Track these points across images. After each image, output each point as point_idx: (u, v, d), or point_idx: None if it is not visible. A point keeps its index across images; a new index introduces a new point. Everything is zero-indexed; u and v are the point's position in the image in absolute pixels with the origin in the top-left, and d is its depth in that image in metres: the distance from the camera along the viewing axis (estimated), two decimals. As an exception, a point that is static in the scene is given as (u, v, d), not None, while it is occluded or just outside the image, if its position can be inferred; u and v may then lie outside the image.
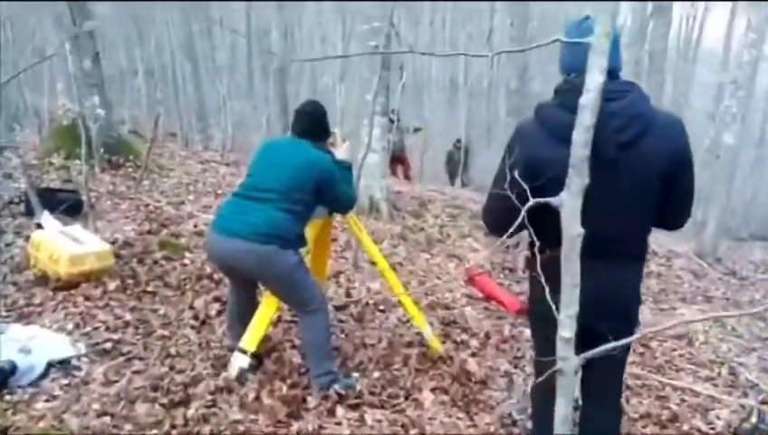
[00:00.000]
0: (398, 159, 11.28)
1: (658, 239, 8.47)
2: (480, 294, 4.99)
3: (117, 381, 2.95)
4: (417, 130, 11.77)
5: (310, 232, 3.29)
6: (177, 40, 16.58)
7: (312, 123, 3.14)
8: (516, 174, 1.92)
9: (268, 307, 3.17)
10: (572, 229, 1.36)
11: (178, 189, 6.86)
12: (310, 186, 2.96)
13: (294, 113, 3.19)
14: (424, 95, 19.59)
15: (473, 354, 3.74)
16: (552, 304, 1.52)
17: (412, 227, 6.32)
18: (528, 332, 4.24)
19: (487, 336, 4.09)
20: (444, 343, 3.88)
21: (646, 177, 1.94)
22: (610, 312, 2.02)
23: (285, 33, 16.50)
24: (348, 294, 4.50)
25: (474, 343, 3.96)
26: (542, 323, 2.18)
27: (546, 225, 1.70)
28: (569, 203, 1.35)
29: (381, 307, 4.36)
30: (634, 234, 2.05)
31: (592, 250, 1.54)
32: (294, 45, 19.24)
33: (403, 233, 6.06)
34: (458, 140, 12.97)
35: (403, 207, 7.02)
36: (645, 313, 5.40)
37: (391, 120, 10.93)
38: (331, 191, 3.06)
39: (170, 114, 17.91)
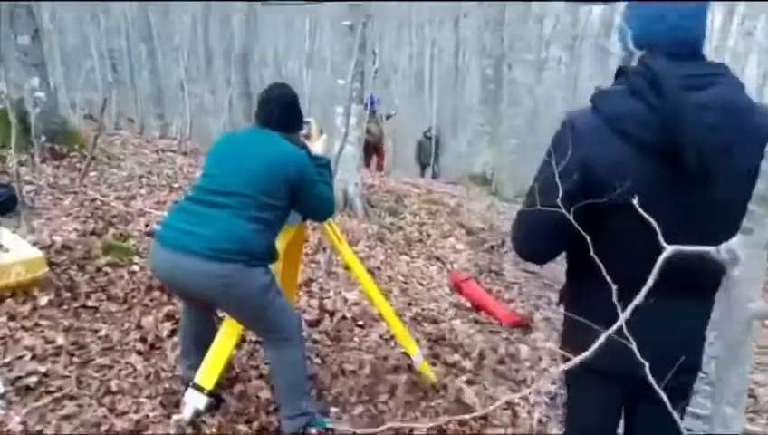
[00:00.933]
0: (374, 149, 10.76)
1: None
2: (468, 303, 4.52)
3: (40, 433, 2.36)
4: (389, 116, 11.24)
5: (279, 242, 2.75)
6: (132, 19, 15.67)
7: (282, 111, 2.58)
8: (564, 184, 1.43)
9: (229, 335, 2.62)
10: (749, 303, 0.83)
11: (130, 182, 6.18)
12: (282, 188, 2.41)
13: (259, 100, 2.62)
14: (392, 83, 19.04)
15: (468, 382, 3.24)
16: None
17: (389, 226, 5.81)
18: (525, 350, 3.78)
19: (482, 356, 3.60)
20: (434, 365, 3.39)
21: (741, 192, 1.46)
22: (684, 364, 1.54)
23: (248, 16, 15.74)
24: (321, 307, 3.97)
25: (467, 364, 3.47)
26: (587, 393, 1.70)
27: (607, 251, 1.22)
28: (747, 259, 0.83)
29: (360, 322, 3.84)
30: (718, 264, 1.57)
31: (664, 286, 1.03)
32: (257, 29, 18.41)
33: (380, 233, 5.53)
34: (429, 130, 12.51)
35: (378, 203, 6.50)
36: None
37: (366, 107, 10.42)
38: (307, 194, 2.51)
39: (127, 99, 17.01)
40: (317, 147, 2.76)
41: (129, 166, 6.82)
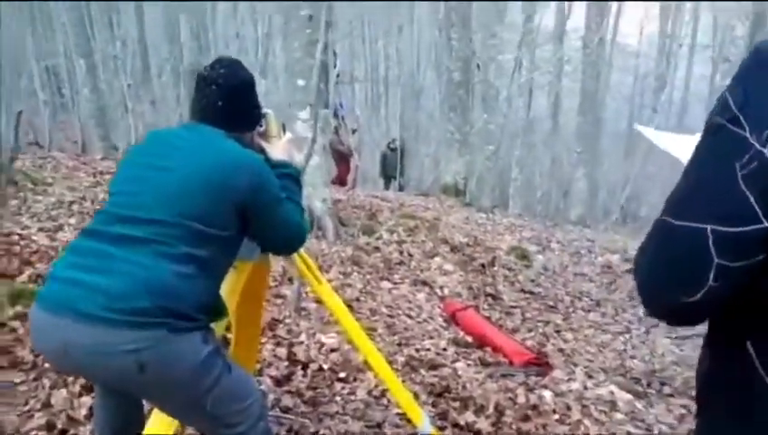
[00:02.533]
0: (344, 160, 10.00)
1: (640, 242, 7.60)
2: (468, 337, 3.76)
3: None
4: (354, 130, 10.50)
5: (231, 286, 1.96)
6: (71, 33, 14.56)
7: (228, 99, 1.77)
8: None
9: (160, 430, 1.77)
10: None
11: (57, 211, 5.26)
12: (228, 211, 1.62)
13: (195, 83, 1.82)
14: (349, 92, 18.32)
15: (493, 454, 2.46)
16: None
17: (365, 248, 5.02)
18: (549, 397, 3.03)
19: (500, 411, 2.83)
20: (442, 428, 2.60)
21: None
22: None
23: (197, 31, 14.90)
24: (291, 356, 3.15)
25: (484, 425, 2.69)
26: None
27: None
28: None
29: (342, 373, 3.04)
30: None
31: None
32: (208, 44, 17.50)
33: (355, 256, 4.74)
34: (392, 141, 11.82)
35: (349, 221, 5.71)
36: (666, 345, 4.35)
37: (336, 115, 9.67)
38: (266, 218, 1.71)
39: (72, 121, 15.93)
40: (279, 150, 1.97)
41: (57, 191, 5.88)
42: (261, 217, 1.70)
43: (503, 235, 7.06)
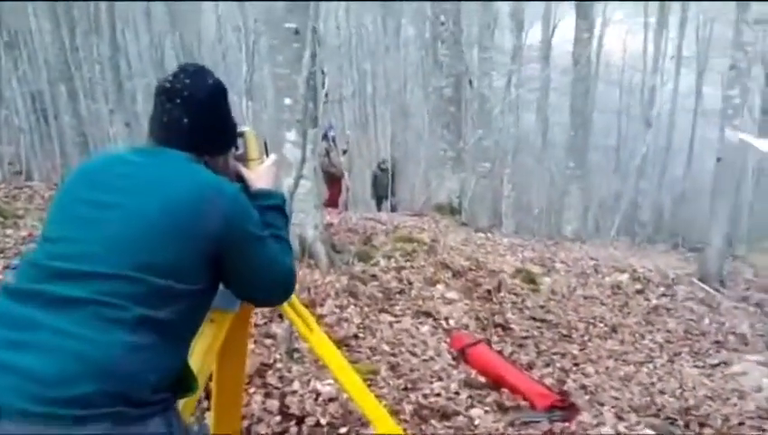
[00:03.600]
0: (335, 182, 9.65)
1: (643, 259, 7.25)
2: (480, 376, 3.37)
3: None
4: (344, 151, 10.18)
5: (207, 343, 1.60)
6: (51, 56, 14.22)
7: (196, 114, 1.41)
8: None
9: None
10: None
11: (28, 245, 4.85)
12: (196, 257, 1.25)
13: (155, 96, 1.46)
14: (338, 111, 18.05)
15: None
16: None
17: (361, 276, 4.63)
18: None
19: (527, 469, 2.45)
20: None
21: None
22: None
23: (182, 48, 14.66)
24: (284, 409, 2.75)
25: (512, 488, 2.30)
26: None
27: None
28: None
29: (343, 429, 2.64)
30: None
31: None
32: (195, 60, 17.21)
33: (351, 286, 4.35)
34: (383, 162, 11.50)
35: (343, 247, 5.33)
36: (694, 375, 3.98)
37: (326, 137, 9.36)
38: (244, 263, 1.35)
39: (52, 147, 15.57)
40: (261, 176, 1.60)
41: (29, 224, 5.47)
42: (238, 263, 1.33)
43: (504, 256, 6.70)
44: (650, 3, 19.62)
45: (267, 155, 1.67)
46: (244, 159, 1.63)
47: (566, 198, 13.50)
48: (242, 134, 1.63)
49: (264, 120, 11.59)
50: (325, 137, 10.25)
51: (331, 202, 10.55)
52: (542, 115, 19.91)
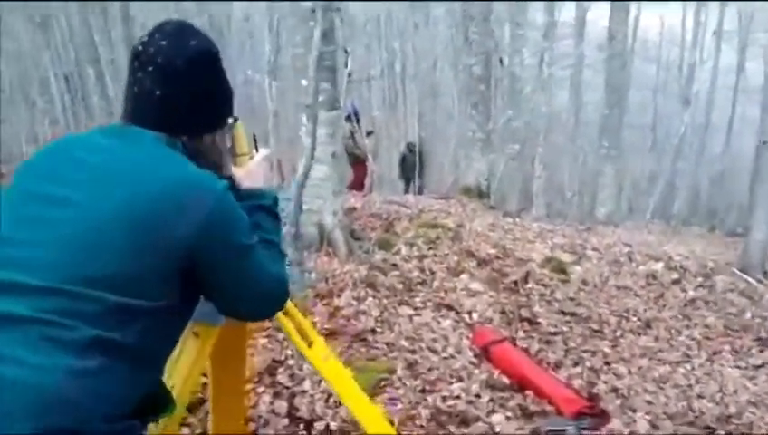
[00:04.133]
0: (360, 164, 9.47)
1: (680, 245, 6.92)
2: (505, 376, 3.18)
3: None
4: (369, 133, 9.96)
5: (191, 355, 1.45)
6: (80, 41, 14.27)
7: (173, 84, 1.19)
8: None
9: None
10: None
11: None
12: (165, 269, 1.07)
13: (129, 62, 1.22)
14: (365, 92, 17.76)
15: None
16: None
17: (381, 266, 4.45)
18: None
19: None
20: None
21: None
22: None
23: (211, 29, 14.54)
24: (292, 412, 2.61)
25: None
26: None
27: None
28: None
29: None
30: None
31: None
32: (221, 45, 17.10)
33: (370, 276, 4.17)
34: (411, 144, 11.26)
35: (364, 235, 5.15)
36: (735, 378, 3.72)
37: (349, 118, 9.14)
38: (227, 274, 1.15)
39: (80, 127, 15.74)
40: (250, 173, 1.41)
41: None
42: (219, 277, 1.14)
43: (533, 242, 6.44)
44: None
45: (257, 150, 1.48)
46: (231, 155, 1.45)
47: (599, 178, 13.11)
48: (230, 126, 1.45)
49: (290, 100, 11.43)
50: (348, 118, 10.03)
51: (356, 185, 10.36)
52: (576, 93, 19.33)
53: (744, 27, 20.27)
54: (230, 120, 1.34)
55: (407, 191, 11.21)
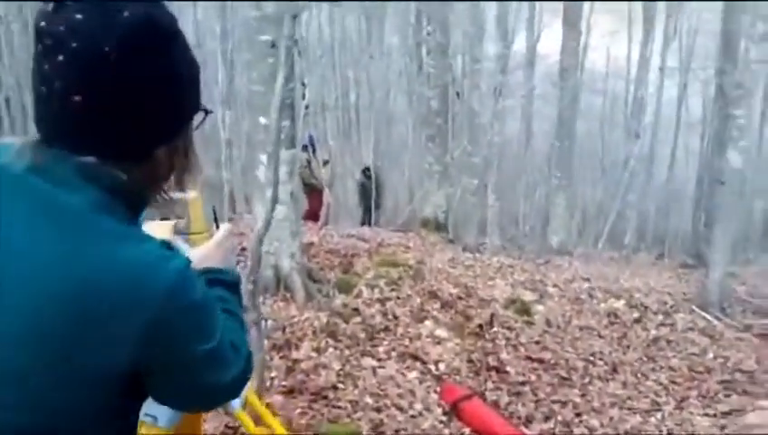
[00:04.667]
0: (316, 193, 9.27)
1: (635, 277, 6.93)
2: (475, 437, 3.01)
3: None
4: (325, 162, 9.79)
5: None
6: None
7: (104, 83, 0.76)
8: None
9: None
10: None
11: None
12: (91, 387, 0.80)
13: (34, 47, 0.79)
14: (320, 121, 17.64)
15: None
16: None
17: (342, 311, 4.24)
18: None
19: None
20: None
21: None
22: None
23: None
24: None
25: None
26: None
27: None
28: None
29: None
30: None
31: None
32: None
33: (330, 324, 3.96)
34: (367, 169, 11.09)
35: (322, 277, 4.93)
36: (706, 427, 3.65)
37: (306, 148, 8.97)
38: (185, 375, 0.89)
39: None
40: (209, 255, 1.19)
41: None
42: (175, 375, 0.88)
43: (494, 279, 6.35)
44: (634, 13, 19.58)
45: (217, 226, 1.28)
46: (185, 233, 1.24)
47: (552, 208, 13.29)
48: (183, 201, 1.25)
49: (245, 130, 11.20)
50: (305, 148, 9.87)
51: (311, 215, 10.15)
52: (527, 123, 19.71)
53: (684, 62, 21.15)
54: (198, 116, 0.93)
55: (364, 220, 11.03)
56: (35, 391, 0.76)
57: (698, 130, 19.71)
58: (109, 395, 0.82)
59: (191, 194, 1.25)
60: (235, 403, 1.39)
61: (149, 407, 1.31)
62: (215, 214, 1.31)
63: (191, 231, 1.24)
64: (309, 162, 9.94)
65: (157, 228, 1.20)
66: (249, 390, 1.48)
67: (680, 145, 22.77)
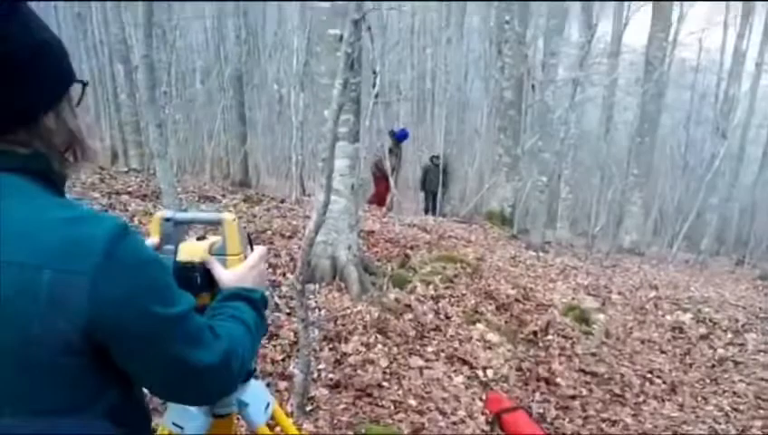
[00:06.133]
0: (385, 180, 9.36)
1: (707, 286, 6.59)
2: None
3: None
4: (390, 151, 9.85)
5: None
6: (112, 38, 14.33)
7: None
8: None
9: None
10: None
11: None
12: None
13: None
14: (393, 106, 17.55)
15: None
16: None
17: (394, 306, 4.26)
18: None
19: None
20: None
21: None
22: None
23: (241, 38, 14.57)
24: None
25: None
26: None
27: None
28: None
29: None
30: None
31: None
32: (254, 52, 17.10)
33: (381, 319, 3.99)
34: (436, 156, 11.02)
35: (378, 269, 4.95)
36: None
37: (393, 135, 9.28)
38: (149, 357, 0.88)
39: (111, 127, 16.02)
40: (242, 277, 1.22)
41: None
42: (143, 345, 0.86)
43: (556, 281, 6.21)
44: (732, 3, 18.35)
45: (252, 249, 1.31)
46: (221, 254, 1.27)
47: (627, 206, 12.80)
48: (220, 222, 1.28)
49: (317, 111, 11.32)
50: (393, 135, 10.11)
51: (379, 199, 10.23)
52: (607, 116, 18.97)
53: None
54: (75, 85, 0.95)
55: (427, 206, 11.01)
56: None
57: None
58: (75, 374, 0.82)
59: (228, 216, 1.28)
60: (258, 419, 1.41)
61: (176, 416, 1.37)
62: (249, 238, 1.33)
63: (227, 253, 1.27)
64: (390, 150, 10.06)
65: (193, 248, 1.24)
66: (275, 406, 1.50)
67: (773, 144, 21.37)
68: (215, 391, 1.01)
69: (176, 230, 1.27)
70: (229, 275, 1.22)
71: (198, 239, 1.27)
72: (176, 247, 1.24)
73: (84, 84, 0.98)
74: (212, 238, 1.29)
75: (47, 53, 0.89)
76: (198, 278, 1.20)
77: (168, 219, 1.27)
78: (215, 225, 1.30)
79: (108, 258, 0.80)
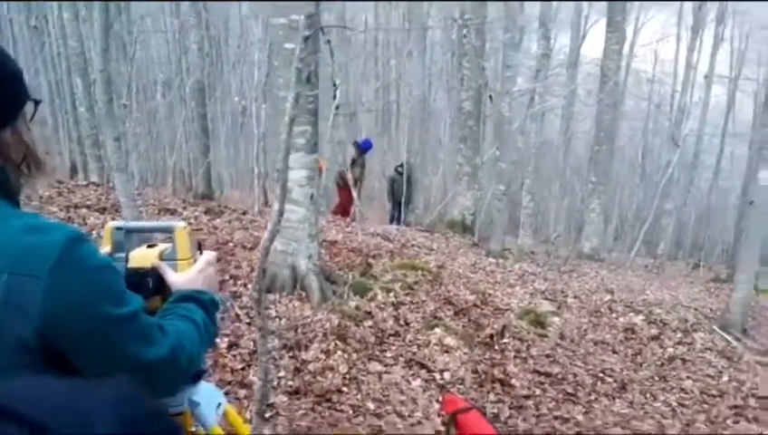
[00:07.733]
0: (348, 190, 9.44)
1: (662, 289, 6.84)
2: (471, 449, 3.07)
3: None
4: (353, 162, 9.96)
5: None
6: (70, 51, 14.13)
7: None
8: None
9: None
10: None
11: None
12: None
13: None
14: (357, 118, 17.69)
15: None
16: None
17: (354, 314, 4.34)
18: None
19: None
20: None
21: None
22: None
23: (203, 50, 14.49)
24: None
25: None
26: None
27: None
28: None
29: None
30: None
31: None
32: (216, 64, 17.05)
33: (341, 326, 4.06)
34: (401, 165, 11.17)
35: (339, 278, 5.03)
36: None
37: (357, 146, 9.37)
38: (102, 339, 0.92)
39: (70, 141, 15.73)
40: (191, 280, 1.30)
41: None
42: (96, 344, 0.91)
43: (514, 287, 6.37)
44: (684, 15, 19.09)
45: (200, 253, 1.38)
46: (171, 259, 1.35)
47: (586, 213, 13.11)
48: (170, 230, 1.35)
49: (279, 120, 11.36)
50: (357, 146, 10.23)
51: (342, 209, 10.30)
52: (567, 123, 19.45)
53: (735, 68, 20.58)
54: (29, 103, 1.01)
55: (393, 215, 11.15)
56: None
57: (747, 140, 19.21)
58: (29, 373, 0.85)
59: (179, 224, 1.36)
60: (210, 418, 1.47)
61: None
62: (199, 244, 1.40)
63: (177, 258, 1.34)
64: (354, 161, 10.16)
65: (143, 255, 1.31)
66: (229, 407, 1.57)
67: (727, 154, 22.19)
68: (166, 384, 1.07)
69: (127, 239, 1.34)
70: (180, 279, 1.29)
71: (149, 247, 1.34)
72: (127, 255, 1.31)
73: (37, 102, 1.04)
74: (162, 245, 1.36)
75: (4, 76, 0.95)
76: (150, 282, 1.27)
77: (119, 228, 1.33)
78: (166, 233, 1.37)
79: (62, 263, 0.86)
